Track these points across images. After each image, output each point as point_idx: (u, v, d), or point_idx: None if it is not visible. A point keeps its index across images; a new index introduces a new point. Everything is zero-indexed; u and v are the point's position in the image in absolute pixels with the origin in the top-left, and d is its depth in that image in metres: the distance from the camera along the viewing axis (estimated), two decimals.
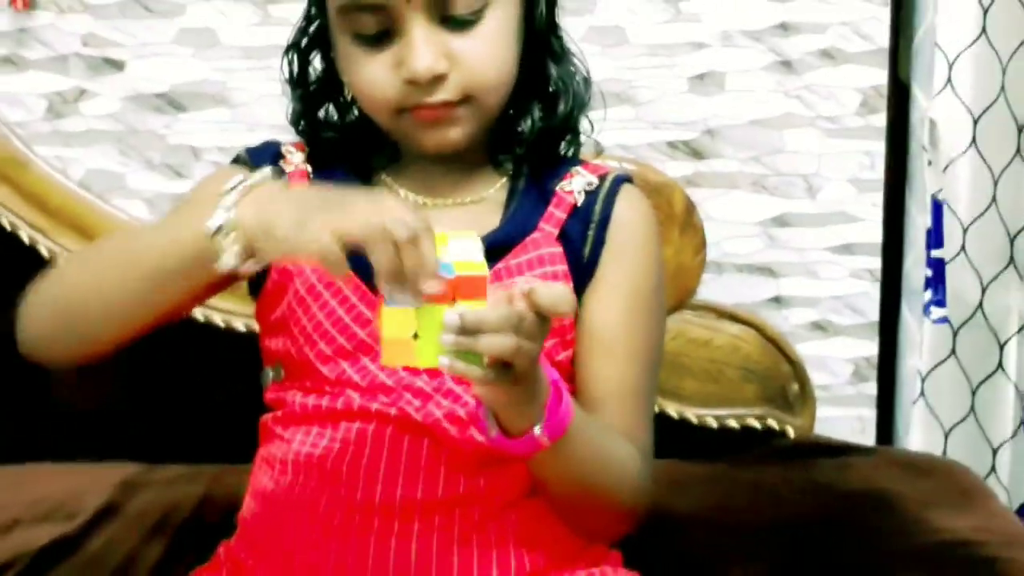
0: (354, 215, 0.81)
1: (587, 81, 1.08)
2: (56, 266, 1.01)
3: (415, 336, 0.81)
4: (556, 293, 0.84)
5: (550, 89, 1.07)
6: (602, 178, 1.07)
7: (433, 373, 0.98)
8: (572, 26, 1.09)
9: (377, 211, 0.81)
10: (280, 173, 1.06)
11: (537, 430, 0.88)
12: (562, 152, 1.10)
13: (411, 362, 0.83)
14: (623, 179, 1.08)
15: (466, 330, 0.80)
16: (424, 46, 0.96)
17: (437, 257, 0.82)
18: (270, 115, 1.65)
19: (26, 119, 1.67)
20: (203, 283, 0.93)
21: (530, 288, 0.83)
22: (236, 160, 1.11)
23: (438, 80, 0.97)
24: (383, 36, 0.98)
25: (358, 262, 0.85)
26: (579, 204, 1.05)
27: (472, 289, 0.81)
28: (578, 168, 1.08)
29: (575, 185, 1.06)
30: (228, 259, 0.86)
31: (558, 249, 1.03)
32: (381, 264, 0.79)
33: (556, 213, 1.05)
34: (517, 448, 0.89)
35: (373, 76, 0.99)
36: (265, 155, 1.09)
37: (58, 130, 1.69)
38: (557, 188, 1.06)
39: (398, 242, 0.79)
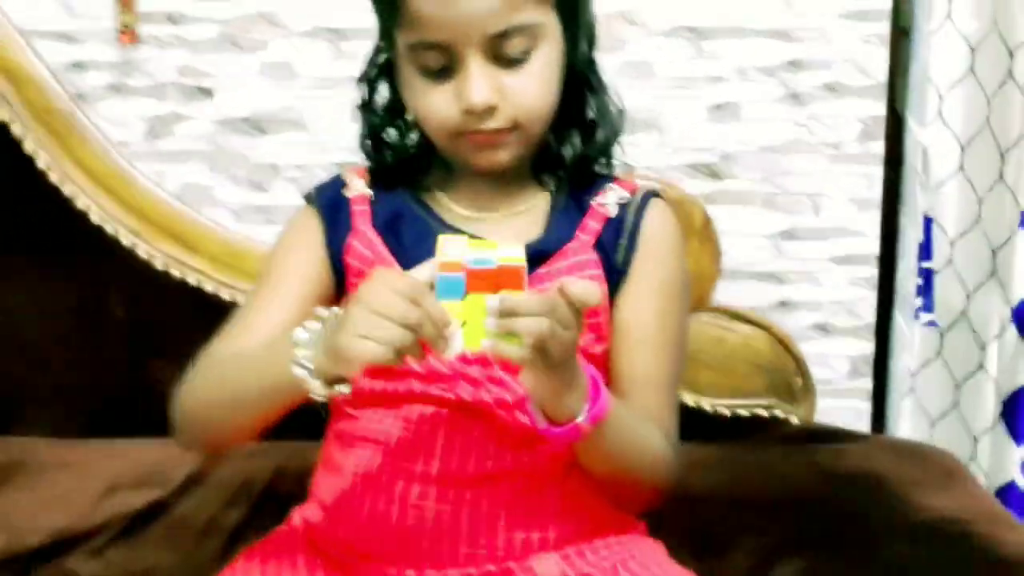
0: (366, 315, 0.82)
1: (621, 112, 1.08)
2: (188, 382, 1.03)
3: (463, 324, 0.82)
4: (584, 286, 0.85)
5: (590, 117, 1.06)
6: (633, 193, 1.07)
7: (484, 363, 0.98)
8: (606, 62, 1.08)
9: (382, 295, 0.83)
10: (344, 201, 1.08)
11: (580, 419, 0.89)
12: (597, 171, 1.08)
13: (466, 348, 0.83)
14: (652, 194, 1.08)
15: (504, 313, 0.81)
16: (480, 81, 0.96)
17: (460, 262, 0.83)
18: (340, 138, 1.61)
19: (129, 139, 1.68)
20: (284, 398, 0.94)
21: (562, 281, 0.85)
22: (306, 199, 1.11)
23: (491, 110, 0.97)
24: (445, 71, 0.97)
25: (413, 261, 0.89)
26: (613, 216, 1.05)
27: (511, 279, 0.82)
28: (611, 184, 1.07)
29: (609, 199, 1.05)
30: (319, 394, 0.89)
31: (594, 256, 1.03)
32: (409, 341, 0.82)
33: (592, 224, 1.04)
34: (563, 436, 0.89)
35: (435, 104, 0.99)
36: (329, 191, 1.10)
37: (156, 149, 1.70)
38: (593, 202, 1.05)
39: (409, 326, 0.81)
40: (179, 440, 1.05)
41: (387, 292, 0.83)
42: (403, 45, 0.99)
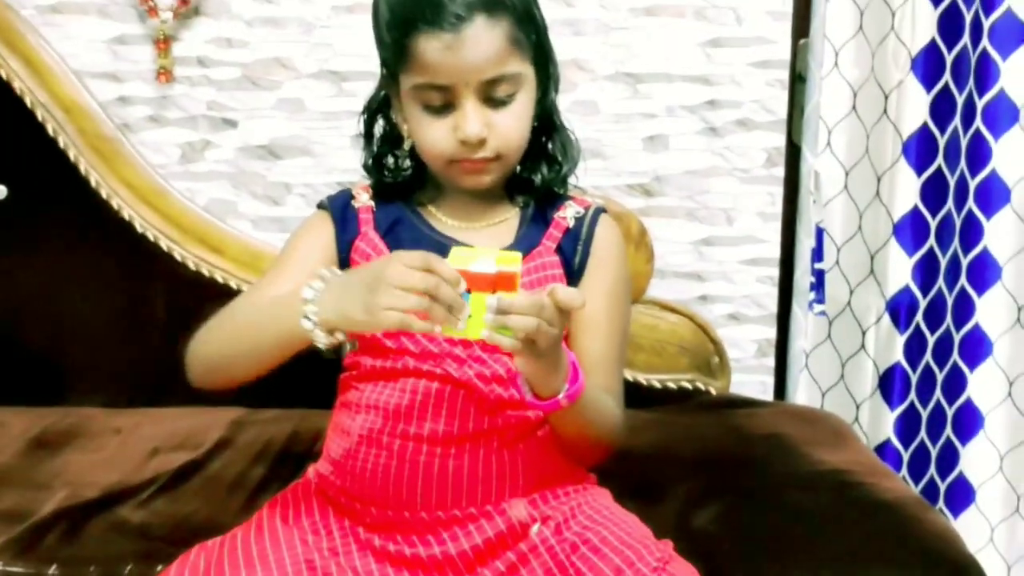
0: (389, 290, 0.82)
1: (578, 147, 1.08)
2: (208, 324, 1.01)
3: (468, 317, 0.82)
4: (569, 292, 0.86)
5: (553, 151, 1.07)
6: (586, 209, 1.07)
7: (466, 344, 0.98)
8: (561, 101, 1.08)
9: (399, 271, 0.82)
10: (352, 211, 1.07)
11: (560, 396, 0.90)
12: (557, 191, 1.09)
13: (462, 333, 0.84)
14: (601, 210, 1.09)
15: (500, 310, 0.82)
16: (474, 117, 0.97)
17: (465, 264, 0.83)
18: (341, 162, 1.67)
19: (165, 162, 1.67)
20: (291, 344, 0.93)
21: (552, 288, 0.86)
22: (320, 206, 1.10)
23: (481, 142, 0.98)
24: (445, 108, 0.98)
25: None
26: (570, 227, 1.05)
27: (507, 283, 0.83)
28: (570, 202, 1.08)
29: (568, 213, 1.06)
30: (322, 342, 0.88)
31: (556, 258, 1.04)
32: (427, 306, 0.81)
33: (554, 233, 1.05)
34: (546, 408, 0.91)
35: (435, 136, 0.99)
36: (340, 201, 1.08)
37: (189, 170, 1.68)
38: (555, 216, 1.06)
39: (427, 290, 0.81)
40: (191, 378, 1.02)
41: (404, 268, 0.82)
42: (409, 85, 0.99)
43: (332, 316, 0.87)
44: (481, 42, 0.94)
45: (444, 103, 0.98)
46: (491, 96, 0.98)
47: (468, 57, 0.94)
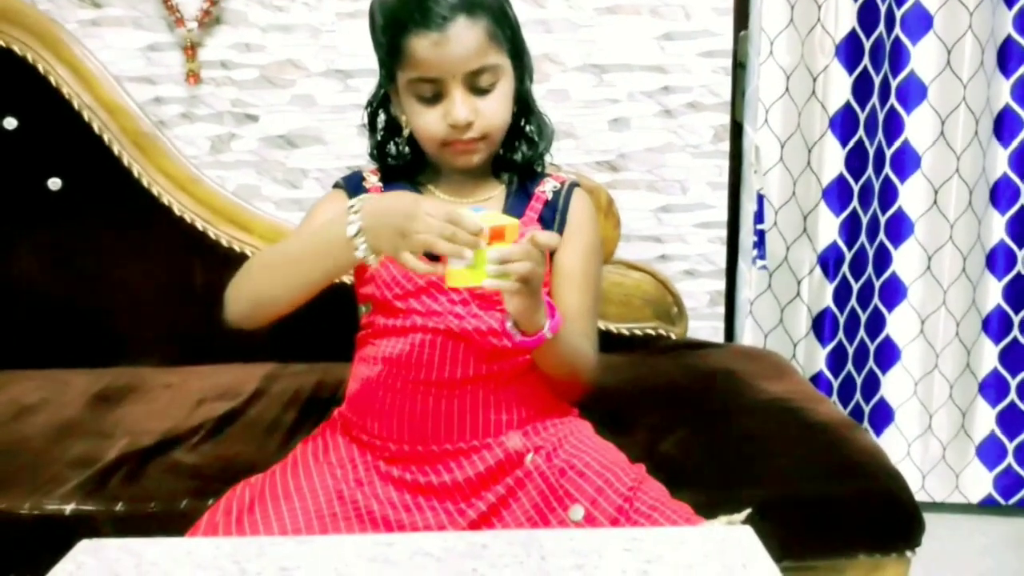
0: (420, 227, 0.82)
1: (552, 128, 1.08)
2: (245, 270, 0.97)
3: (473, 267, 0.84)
4: (547, 235, 0.89)
5: (530, 132, 1.07)
6: (562, 183, 1.08)
7: (465, 302, 0.99)
8: (536, 90, 1.08)
9: (427, 213, 0.83)
10: (363, 190, 1.05)
11: (545, 329, 0.90)
12: (536, 168, 1.09)
13: (467, 283, 0.85)
14: (575, 184, 1.09)
15: (501, 260, 0.83)
16: (462, 104, 0.97)
17: (479, 221, 0.83)
18: (349, 149, 1.66)
19: (197, 153, 1.66)
20: (341, 272, 0.93)
21: (532, 234, 0.87)
22: (336, 185, 1.09)
23: (469, 125, 0.98)
24: (435, 97, 0.98)
25: None
26: (549, 200, 1.06)
27: (500, 236, 0.84)
28: (548, 178, 1.08)
29: (547, 187, 1.07)
30: (363, 254, 0.87)
31: (538, 227, 1.03)
32: (447, 250, 0.83)
33: (536, 205, 1.05)
34: (533, 343, 0.91)
35: (428, 122, 0.99)
36: (353, 180, 1.08)
37: (218, 160, 1.67)
38: (536, 190, 1.06)
39: (451, 236, 0.82)
40: (233, 319, 0.97)
41: (431, 212, 0.83)
42: (404, 80, 0.99)
43: (377, 244, 0.87)
44: (464, 38, 0.94)
45: (435, 93, 0.98)
46: (475, 85, 0.97)
47: (453, 52, 0.94)
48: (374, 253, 0.87)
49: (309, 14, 1.63)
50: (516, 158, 1.06)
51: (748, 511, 0.96)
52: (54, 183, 1.54)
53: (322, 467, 0.98)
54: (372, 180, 1.08)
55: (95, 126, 1.54)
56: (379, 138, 1.08)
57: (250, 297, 0.96)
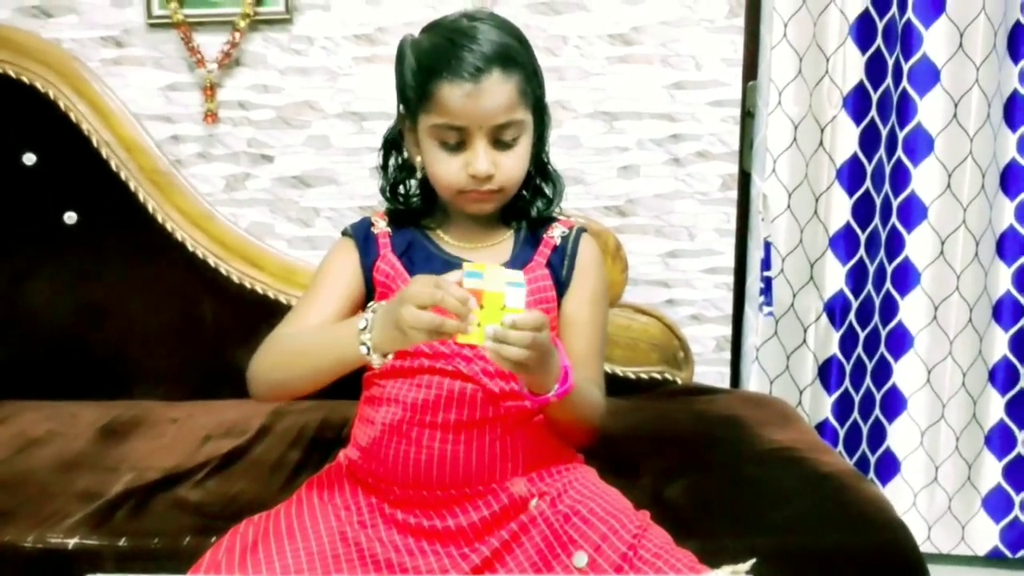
0: (409, 309, 0.83)
1: (563, 182, 1.08)
2: (264, 352, 1.00)
3: (478, 324, 0.83)
4: (533, 316, 0.84)
5: (542, 185, 1.07)
6: (570, 228, 1.07)
7: (471, 345, 0.96)
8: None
9: (414, 291, 0.83)
10: (372, 236, 1.06)
11: (550, 395, 0.90)
12: (546, 215, 1.09)
13: (472, 341, 0.84)
14: (583, 229, 1.09)
15: (497, 339, 0.83)
16: (484, 157, 0.97)
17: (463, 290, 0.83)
18: (362, 190, 1.66)
19: (212, 191, 1.66)
20: (351, 367, 0.94)
21: (513, 320, 0.83)
22: (344, 233, 1.08)
23: (489, 178, 0.98)
24: (458, 145, 0.98)
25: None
26: (557, 245, 1.05)
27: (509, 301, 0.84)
28: (556, 223, 1.08)
29: (555, 233, 1.06)
30: (376, 363, 0.90)
31: (546, 272, 1.03)
32: (439, 322, 0.82)
33: (544, 250, 1.05)
34: (538, 403, 0.91)
35: (448, 170, 0.99)
36: (361, 227, 1.07)
37: (232, 198, 1.68)
38: (544, 235, 1.06)
39: (437, 303, 0.82)
40: (254, 395, 1.01)
41: (419, 288, 0.84)
42: (428, 124, 0.98)
43: (380, 340, 0.89)
44: (496, 92, 0.95)
45: (458, 141, 0.98)
46: (499, 138, 0.98)
47: (484, 104, 0.95)
48: (378, 350, 0.89)
49: (326, 57, 1.65)
50: (531, 211, 1.06)
51: (753, 561, 0.94)
52: (70, 217, 1.56)
53: (326, 508, 0.98)
54: (380, 225, 1.07)
55: (112, 163, 1.56)
56: (392, 177, 1.09)
57: (269, 382, 0.99)
